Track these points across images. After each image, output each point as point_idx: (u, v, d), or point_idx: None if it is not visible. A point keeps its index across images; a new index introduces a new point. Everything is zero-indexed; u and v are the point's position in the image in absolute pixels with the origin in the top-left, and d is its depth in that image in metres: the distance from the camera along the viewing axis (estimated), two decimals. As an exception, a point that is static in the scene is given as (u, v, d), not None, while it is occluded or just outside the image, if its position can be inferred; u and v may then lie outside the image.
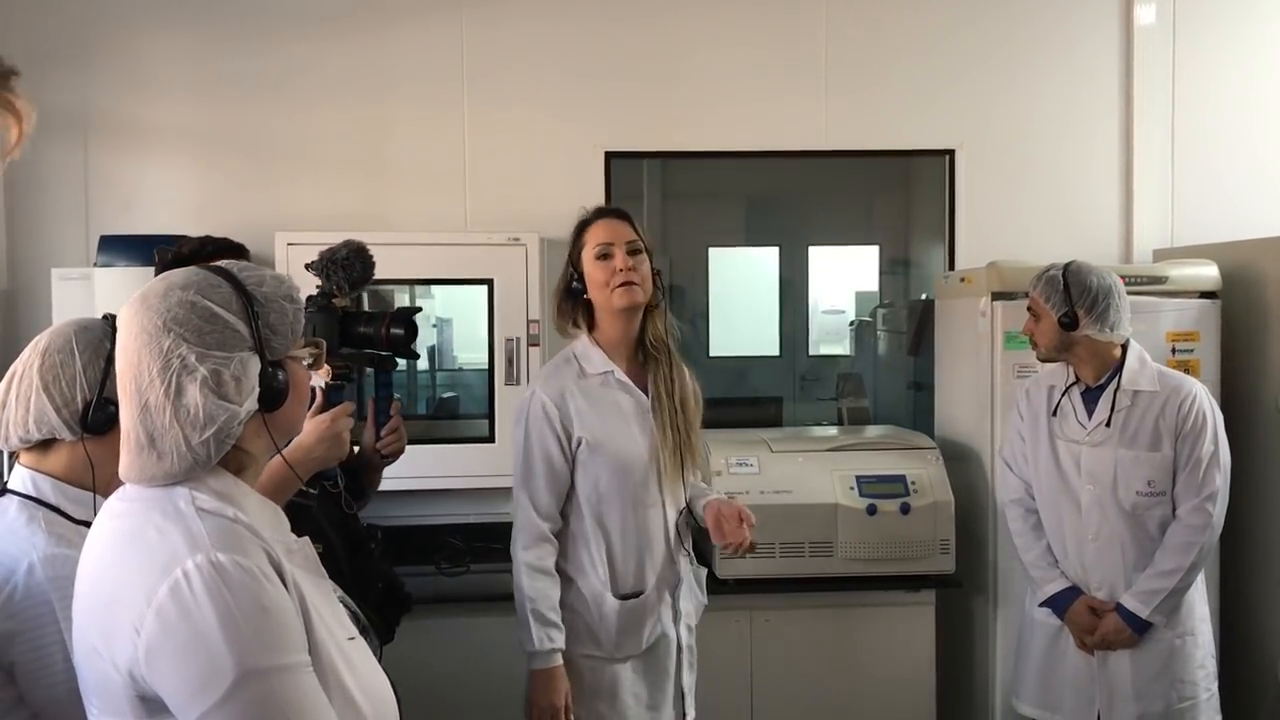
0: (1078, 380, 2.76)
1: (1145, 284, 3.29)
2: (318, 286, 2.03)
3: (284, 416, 1.35)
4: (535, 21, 3.79)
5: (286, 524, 1.37)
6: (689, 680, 2.46)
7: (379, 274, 3.63)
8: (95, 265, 3.42)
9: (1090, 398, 2.74)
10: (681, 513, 2.42)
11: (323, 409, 1.85)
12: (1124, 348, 2.72)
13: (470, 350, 4.17)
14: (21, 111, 1.09)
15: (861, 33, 3.88)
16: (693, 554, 2.47)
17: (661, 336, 2.38)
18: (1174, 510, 2.66)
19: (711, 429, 2.95)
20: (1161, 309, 3.29)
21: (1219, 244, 3.59)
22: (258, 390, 1.29)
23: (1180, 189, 3.93)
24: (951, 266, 3.92)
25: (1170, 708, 2.66)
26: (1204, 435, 2.63)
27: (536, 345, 3.49)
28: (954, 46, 3.90)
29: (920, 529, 3.24)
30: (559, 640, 2.28)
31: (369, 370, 2.14)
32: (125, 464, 1.28)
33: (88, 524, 1.35)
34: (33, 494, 1.60)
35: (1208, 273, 3.39)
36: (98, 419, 1.58)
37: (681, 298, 5.68)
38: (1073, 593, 2.73)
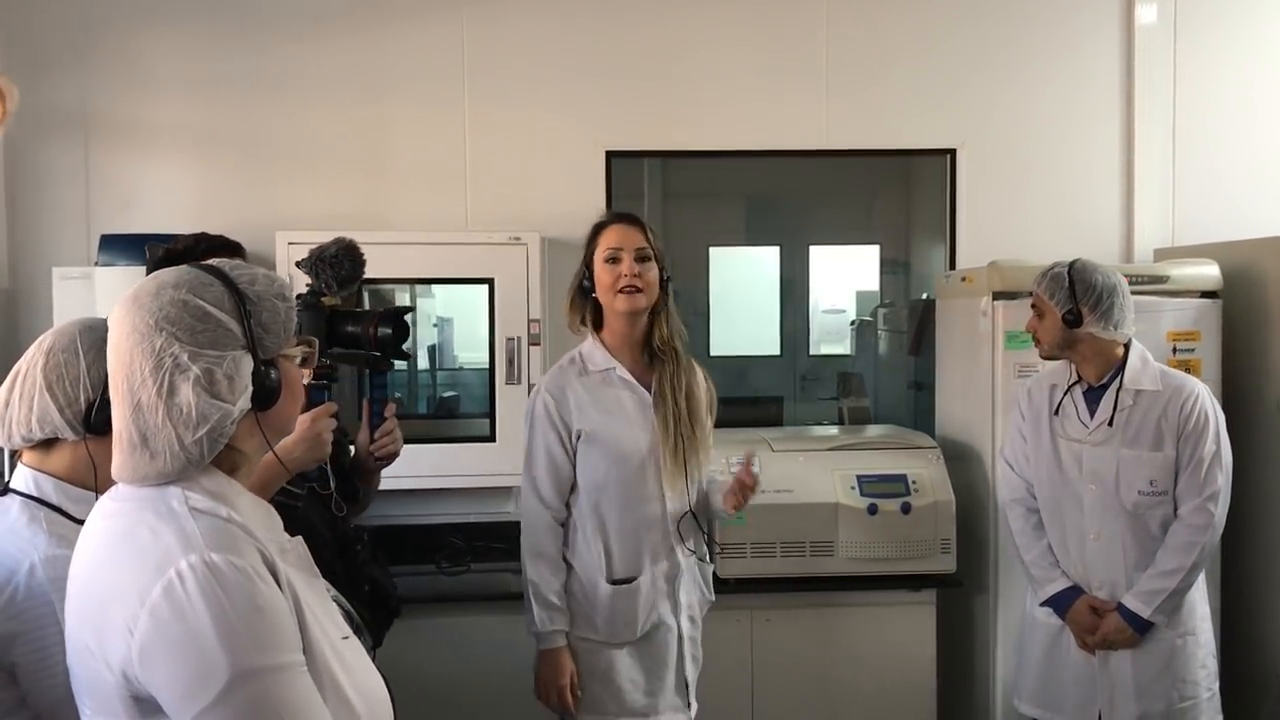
0: (1080, 379, 2.76)
1: (1146, 283, 3.28)
2: (307, 284, 2.02)
3: (277, 415, 1.35)
4: (536, 20, 3.79)
5: (279, 523, 1.37)
6: (691, 672, 2.52)
7: (380, 273, 3.63)
8: (96, 264, 3.43)
9: (1092, 397, 2.74)
10: (685, 515, 2.47)
11: (304, 409, 1.84)
12: (1126, 347, 2.72)
13: (471, 349, 4.17)
14: (4, 90, 1.09)
15: (862, 32, 3.88)
16: (701, 551, 2.53)
17: (668, 338, 2.48)
18: (1175, 510, 2.65)
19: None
20: (1162, 308, 3.29)
21: (1220, 243, 3.59)
22: (250, 389, 1.29)
23: (1181, 188, 3.93)
24: (952, 266, 3.92)
25: (1171, 707, 2.66)
26: (1206, 435, 2.63)
27: (537, 345, 3.49)
28: (955, 46, 3.90)
29: (921, 528, 3.24)
30: (560, 622, 2.41)
31: (366, 371, 2.13)
32: (118, 463, 1.27)
33: None
34: (35, 494, 1.60)
35: (1209, 272, 3.38)
36: (100, 419, 1.58)
37: (681, 297, 5.67)
38: (1074, 592, 2.72)
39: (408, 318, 2.05)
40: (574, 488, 2.46)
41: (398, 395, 4.08)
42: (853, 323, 6.13)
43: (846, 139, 3.88)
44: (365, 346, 2.01)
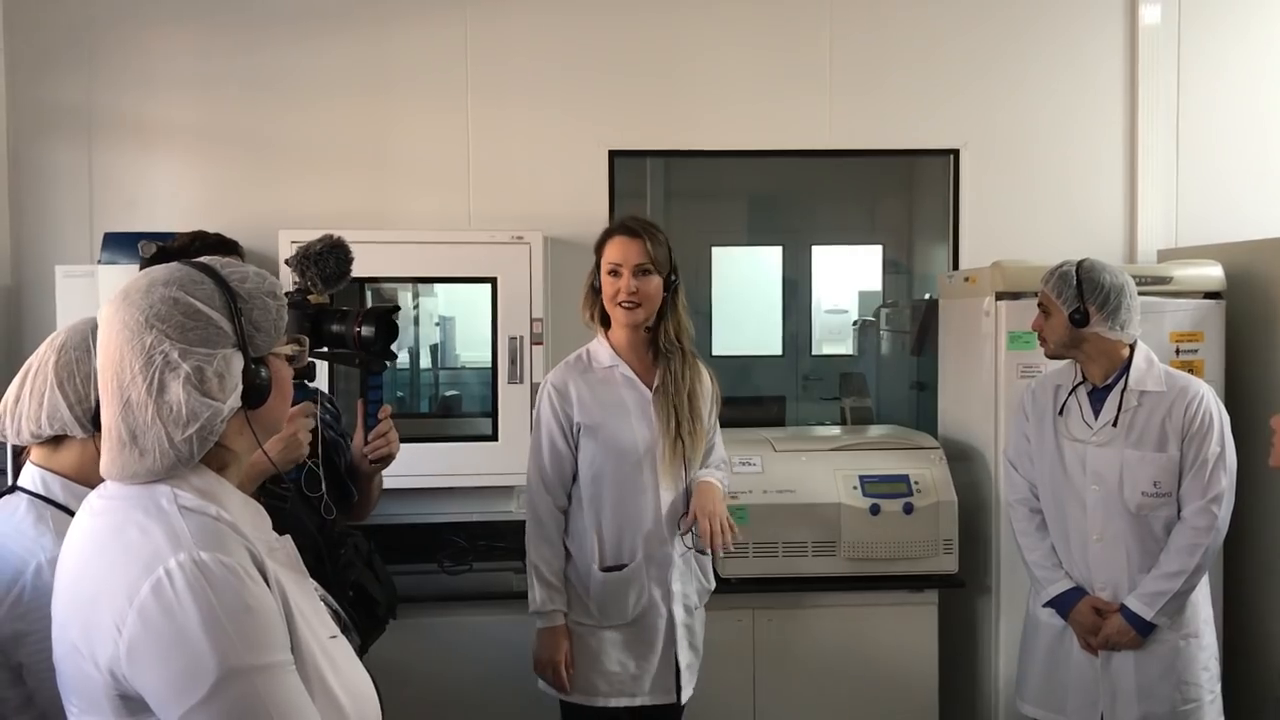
0: (1084, 380, 2.76)
1: (1149, 284, 3.27)
2: (294, 282, 2.01)
3: (267, 414, 1.35)
4: (539, 19, 3.79)
5: (268, 522, 1.37)
6: (685, 658, 2.61)
7: (383, 272, 3.63)
8: (99, 262, 3.43)
9: (1097, 398, 2.73)
10: (678, 502, 2.58)
11: None
12: (1131, 348, 2.71)
13: (473, 348, 4.17)
14: None
15: (865, 32, 3.87)
16: (696, 543, 2.58)
17: (673, 339, 2.59)
18: (1179, 511, 2.65)
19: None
20: (1166, 309, 3.28)
21: (1223, 244, 3.58)
22: (240, 387, 1.29)
23: (1185, 189, 3.92)
24: (955, 266, 3.92)
25: (1174, 709, 2.65)
26: (1211, 436, 2.63)
27: (540, 344, 3.49)
28: (958, 46, 3.90)
29: (923, 529, 3.23)
30: (558, 602, 2.56)
31: (360, 370, 2.09)
32: (106, 461, 1.27)
33: None
34: (42, 492, 1.61)
35: (1212, 273, 3.38)
36: None
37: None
38: (1077, 593, 2.72)
39: (396, 318, 2.01)
40: (576, 478, 2.60)
41: (399, 394, 4.08)
42: (855, 323, 6.11)
43: (850, 139, 3.88)
44: (351, 346, 1.99)
